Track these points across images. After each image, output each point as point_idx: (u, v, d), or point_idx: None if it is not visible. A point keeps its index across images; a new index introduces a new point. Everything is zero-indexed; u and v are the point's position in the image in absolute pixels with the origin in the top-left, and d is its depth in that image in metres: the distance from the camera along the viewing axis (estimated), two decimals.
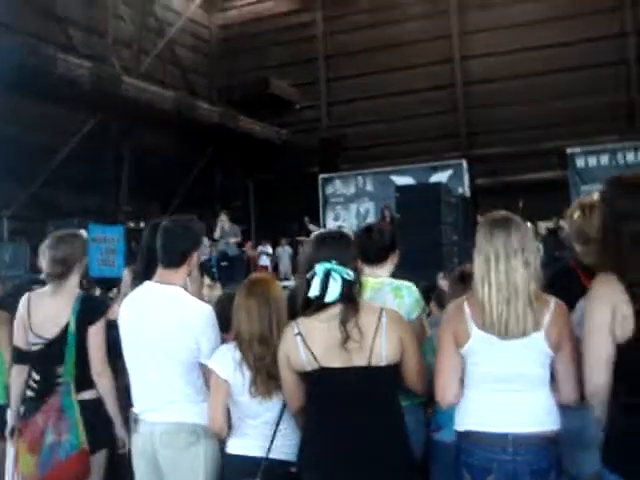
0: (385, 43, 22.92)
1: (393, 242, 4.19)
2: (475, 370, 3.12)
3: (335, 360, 3.14)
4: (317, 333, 3.19)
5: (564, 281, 3.51)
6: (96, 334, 4.11)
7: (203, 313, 3.72)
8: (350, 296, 3.20)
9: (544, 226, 16.62)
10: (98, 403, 4.11)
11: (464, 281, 3.79)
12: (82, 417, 3.97)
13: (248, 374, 3.49)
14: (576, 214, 3.87)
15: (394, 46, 22.88)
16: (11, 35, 16.10)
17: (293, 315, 3.42)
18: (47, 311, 4.16)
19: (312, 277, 3.21)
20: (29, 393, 4.18)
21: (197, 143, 22.11)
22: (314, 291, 3.18)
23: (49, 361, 4.07)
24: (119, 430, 4.10)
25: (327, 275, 3.18)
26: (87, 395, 4.08)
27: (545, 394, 3.08)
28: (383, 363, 3.14)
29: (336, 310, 3.18)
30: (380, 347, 3.14)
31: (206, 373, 3.67)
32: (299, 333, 3.21)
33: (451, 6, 22.83)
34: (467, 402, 3.15)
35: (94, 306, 4.24)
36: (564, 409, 3.09)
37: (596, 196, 3.32)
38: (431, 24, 22.88)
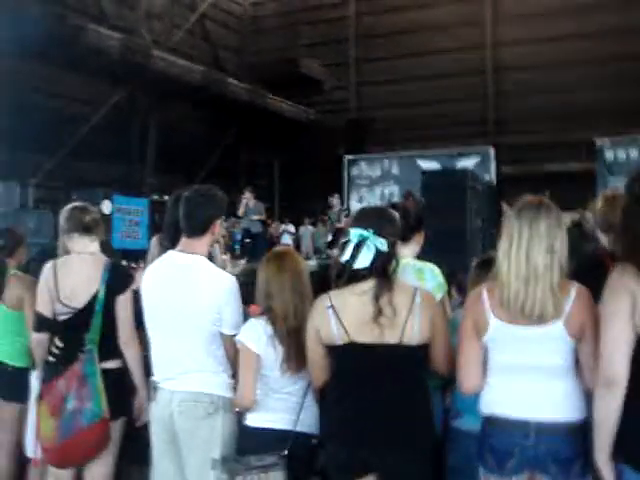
0: (416, 26, 22.74)
1: (418, 222, 4.15)
2: (496, 359, 3.11)
3: (366, 335, 3.13)
4: (349, 307, 3.18)
5: (590, 270, 3.48)
6: (125, 303, 4.14)
7: (227, 283, 3.71)
8: (383, 270, 3.18)
9: (569, 217, 16.47)
10: (121, 373, 4.15)
11: (484, 267, 3.76)
12: (104, 385, 4.00)
13: (280, 349, 3.50)
14: (600, 203, 3.96)
15: (425, 30, 22.69)
16: (38, 4, 16.10)
17: (317, 292, 3.42)
18: (76, 280, 4.18)
19: (346, 243, 3.20)
20: (50, 359, 4.21)
21: (224, 119, 22.08)
22: (345, 256, 3.18)
23: (75, 329, 4.08)
24: (141, 399, 4.12)
25: (361, 243, 3.17)
26: (110, 365, 4.12)
27: (570, 382, 3.05)
28: (414, 342, 3.13)
29: (369, 285, 3.16)
30: (412, 326, 3.13)
31: (227, 345, 3.67)
32: (331, 306, 3.20)
33: None
34: (490, 388, 3.14)
35: (123, 275, 4.27)
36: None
37: (621, 189, 3.31)
38: (463, 9, 22.62)
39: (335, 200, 18.34)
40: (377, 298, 3.14)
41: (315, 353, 3.33)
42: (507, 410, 3.06)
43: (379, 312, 3.12)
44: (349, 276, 3.21)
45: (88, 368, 4.00)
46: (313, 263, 9.41)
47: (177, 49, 20.69)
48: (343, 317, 3.18)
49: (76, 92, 17.78)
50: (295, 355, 3.48)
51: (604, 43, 20.08)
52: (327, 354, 3.29)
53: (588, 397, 3.00)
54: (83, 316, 4.09)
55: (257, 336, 3.52)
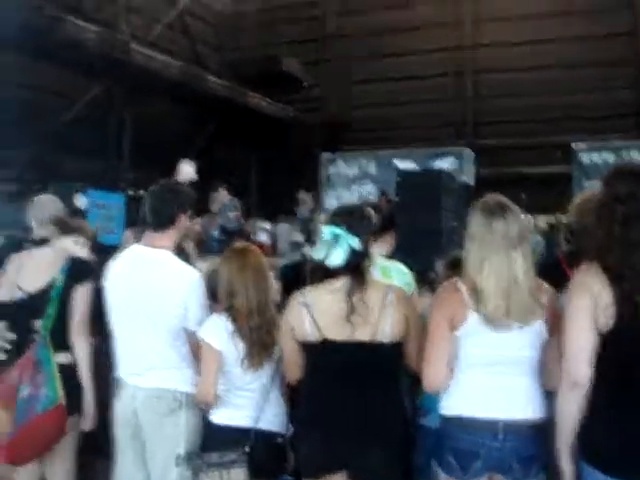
0: (396, 27, 22.72)
1: (390, 221, 4.17)
2: (469, 353, 3.10)
3: (339, 333, 3.15)
4: (323, 304, 3.19)
5: (550, 273, 3.50)
6: (83, 295, 4.10)
7: (191, 278, 3.71)
8: (357, 268, 3.20)
9: (545, 221, 16.54)
10: (73, 367, 4.10)
11: (455, 268, 3.77)
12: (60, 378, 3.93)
13: (241, 345, 3.50)
14: (572, 205, 3.98)
15: (405, 30, 22.68)
16: None
17: (290, 289, 3.43)
18: (35, 266, 4.14)
19: (320, 240, 3.22)
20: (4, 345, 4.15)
21: (202, 115, 21.98)
22: (319, 254, 3.19)
23: (28, 314, 4.02)
24: (88, 402, 4.05)
25: (335, 240, 3.18)
26: (62, 358, 4.05)
27: (535, 379, 3.08)
28: (387, 340, 3.14)
29: (343, 282, 3.18)
30: (385, 324, 3.14)
31: (191, 340, 3.66)
32: (305, 303, 3.21)
33: None
34: (457, 386, 3.13)
35: (83, 267, 4.24)
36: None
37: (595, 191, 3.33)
38: (443, 10, 22.61)
39: (305, 196, 18.27)
40: (350, 295, 3.15)
41: (289, 349, 3.34)
42: (474, 410, 3.06)
43: (352, 309, 3.13)
44: (323, 273, 3.23)
45: (41, 353, 3.92)
46: (287, 260, 9.42)
47: (156, 44, 20.56)
48: (316, 314, 3.19)
49: (52, 85, 17.62)
50: (257, 352, 3.49)
51: (581, 48, 20.22)
52: (301, 351, 3.29)
53: (549, 396, 3.03)
54: (37, 302, 4.04)
55: (218, 333, 3.52)
